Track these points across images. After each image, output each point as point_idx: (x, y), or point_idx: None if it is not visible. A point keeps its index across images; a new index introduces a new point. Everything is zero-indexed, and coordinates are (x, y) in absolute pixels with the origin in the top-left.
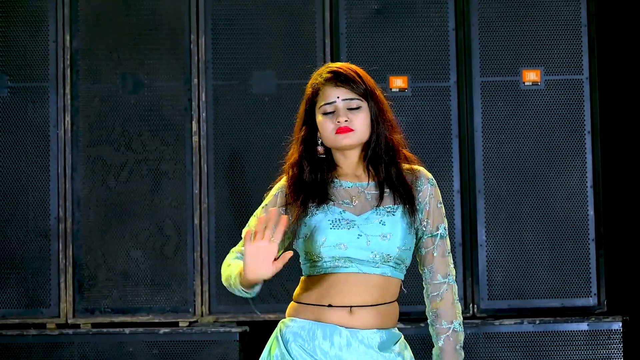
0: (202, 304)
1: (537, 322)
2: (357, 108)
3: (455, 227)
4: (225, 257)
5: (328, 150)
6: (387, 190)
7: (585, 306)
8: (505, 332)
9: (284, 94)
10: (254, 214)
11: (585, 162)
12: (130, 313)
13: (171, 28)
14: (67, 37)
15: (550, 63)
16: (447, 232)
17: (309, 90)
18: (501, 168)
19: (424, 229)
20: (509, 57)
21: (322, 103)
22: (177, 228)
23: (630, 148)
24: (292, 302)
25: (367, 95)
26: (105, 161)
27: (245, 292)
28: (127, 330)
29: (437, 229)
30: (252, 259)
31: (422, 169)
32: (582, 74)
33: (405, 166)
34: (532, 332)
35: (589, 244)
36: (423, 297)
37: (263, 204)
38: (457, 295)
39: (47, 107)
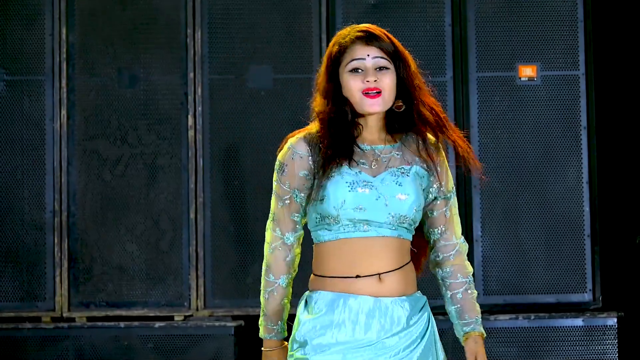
0: (197, 298)
1: (533, 317)
2: (386, 68)
3: None
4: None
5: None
6: (400, 152)
7: (581, 302)
8: (500, 328)
9: (280, 89)
10: (274, 190)
11: (581, 158)
12: (126, 307)
13: (167, 22)
14: (64, 31)
15: (546, 59)
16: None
17: (334, 48)
18: (497, 163)
19: (438, 191)
20: (505, 53)
21: (350, 59)
22: (173, 222)
23: (626, 144)
24: (312, 275)
25: (397, 56)
26: (101, 155)
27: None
28: (122, 324)
29: (449, 190)
30: None
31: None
32: (579, 70)
33: (428, 127)
34: (528, 327)
35: (584, 240)
36: (439, 291)
37: (276, 178)
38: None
39: (43, 101)
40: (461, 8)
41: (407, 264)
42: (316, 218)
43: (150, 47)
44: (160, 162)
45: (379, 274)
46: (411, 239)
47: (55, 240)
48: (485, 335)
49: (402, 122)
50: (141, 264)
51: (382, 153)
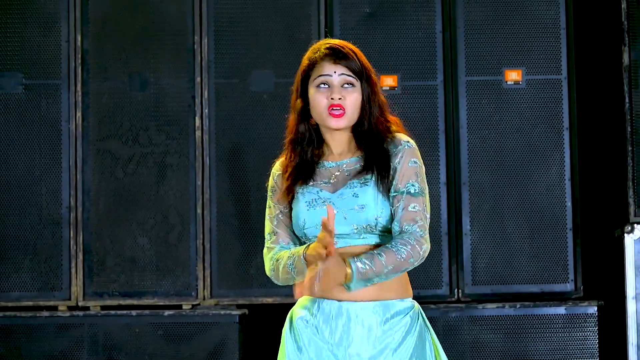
0: (204, 288)
1: (518, 306)
2: (352, 86)
3: (442, 217)
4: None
5: (317, 125)
6: (363, 163)
7: (563, 291)
8: (488, 316)
9: (282, 92)
10: (268, 205)
11: (564, 157)
12: (137, 296)
13: (175, 29)
14: (79, 38)
15: (531, 63)
16: (421, 191)
17: (305, 62)
18: (485, 162)
19: (394, 188)
20: (492, 58)
21: (318, 75)
22: (181, 217)
23: (605, 144)
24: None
25: (362, 75)
26: (114, 154)
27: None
28: (133, 313)
29: (405, 186)
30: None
31: (401, 134)
32: (561, 74)
33: (388, 137)
34: (513, 315)
35: (566, 233)
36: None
37: (270, 194)
38: (411, 260)
39: (60, 103)
40: (451, 16)
41: None
42: (297, 236)
43: (160, 53)
44: (169, 161)
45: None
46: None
47: (71, 234)
48: (349, 273)
49: (367, 137)
50: (151, 256)
51: (347, 167)
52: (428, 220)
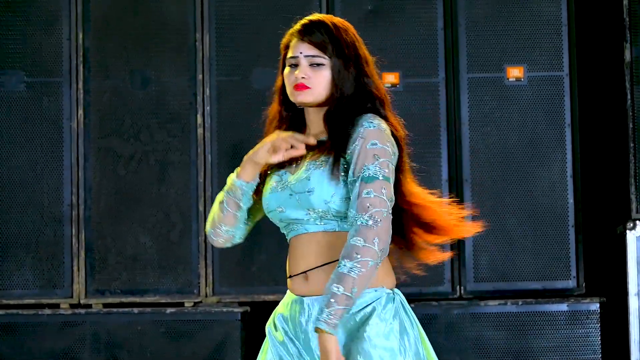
0: (206, 286)
1: (520, 303)
2: (320, 64)
3: None
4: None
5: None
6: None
7: (565, 288)
8: (490, 313)
9: None
10: None
11: (565, 154)
12: (139, 294)
13: (177, 27)
14: (80, 36)
15: (532, 60)
16: (377, 175)
17: (284, 40)
18: (486, 159)
19: (351, 173)
20: (494, 55)
21: (289, 55)
22: (183, 215)
23: (607, 141)
24: None
25: (334, 53)
26: (115, 152)
27: (238, 188)
28: (135, 310)
29: (360, 170)
30: (271, 139)
31: (368, 115)
32: (563, 71)
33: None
34: (515, 312)
35: (568, 230)
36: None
37: None
38: (370, 264)
39: (61, 101)
40: (453, 13)
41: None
42: None
43: (161, 51)
44: (171, 158)
45: (305, 272)
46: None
47: (73, 232)
48: (322, 330)
49: (333, 116)
50: (153, 254)
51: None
52: (387, 204)
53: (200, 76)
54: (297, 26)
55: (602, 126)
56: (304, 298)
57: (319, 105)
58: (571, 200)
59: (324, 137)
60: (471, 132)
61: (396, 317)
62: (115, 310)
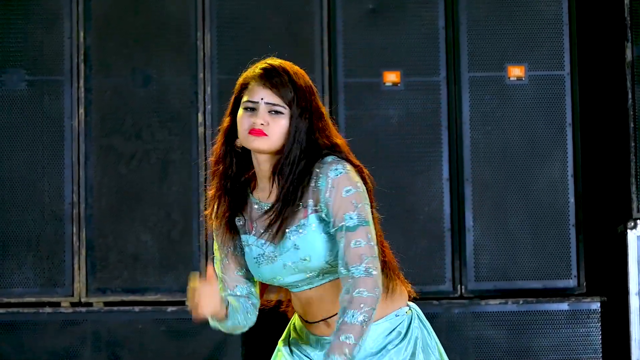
0: None
1: (521, 302)
2: (279, 112)
3: (444, 213)
4: None
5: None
6: (289, 206)
7: (566, 287)
8: (491, 312)
9: None
10: (214, 246)
11: (566, 153)
12: (140, 292)
13: (178, 26)
14: (81, 34)
15: (533, 59)
16: (361, 222)
17: (240, 80)
18: (487, 158)
19: (332, 224)
20: (495, 54)
21: (246, 99)
22: (184, 213)
23: (608, 140)
24: None
25: (294, 103)
26: (117, 150)
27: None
28: (136, 309)
29: (343, 220)
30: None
31: (328, 160)
32: (564, 70)
33: (315, 168)
34: (516, 311)
35: (569, 229)
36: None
37: (214, 233)
38: (369, 291)
39: (62, 100)
40: (454, 12)
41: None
42: None
43: (162, 50)
44: (172, 157)
45: (325, 319)
46: None
47: (74, 231)
48: None
49: (289, 169)
50: (154, 252)
51: (272, 210)
52: (375, 249)
53: (201, 75)
54: (258, 70)
55: (603, 125)
56: (326, 338)
57: (271, 152)
58: (572, 200)
59: (268, 197)
60: (472, 131)
61: (417, 338)
62: (116, 308)
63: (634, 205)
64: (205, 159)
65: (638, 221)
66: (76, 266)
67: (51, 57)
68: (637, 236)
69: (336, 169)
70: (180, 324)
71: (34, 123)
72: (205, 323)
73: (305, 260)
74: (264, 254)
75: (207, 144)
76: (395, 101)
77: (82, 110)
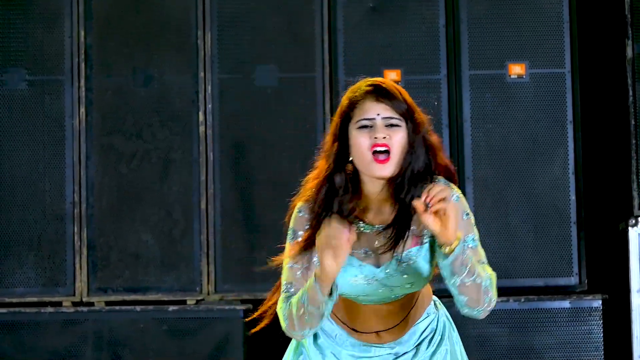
0: (208, 283)
1: (522, 300)
2: (396, 126)
3: None
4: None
5: (355, 171)
6: (413, 226)
7: (567, 285)
8: (492, 310)
9: (285, 87)
10: (290, 252)
11: (567, 151)
12: (141, 292)
13: (179, 25)
14: (82, 33)
15: (534, 57)
16: (477, 242)
17: (345, 102)
18: (488, 156)
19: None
20: (495, 52)
21: (360, 117)
22: (185, 212)
23: (609, 137)
24: None
25: (407, 115)
26: (117, 150)
27: (321, 303)
28: (138, 308)
29: (465, 241)
30: (324, 244)
31: (440, 183)
32: (564, 68)
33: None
34: (518, 309)
35: (570, 227)
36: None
37: (290, 234)
38: (491, 291)
39: (63, 99)
40: (454, 10)
41: (413, 307)
42: None
43: (163, 49)
44: (173, 156)
45: (377, 332)
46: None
47: (75, 230)
48: (457, 241)
49: (407, 190)
50: (155, 251)
51: (383, 232)
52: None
53: (202, 74)
54: (366, 87)
55: (603, 123)
56: (373, 346)
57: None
58: (573, 197)
59: (380, 220)
60: (473, 129)
61: (449, 333)
62: (117, 308)
63: (635, 203)
64: (206, 158)
65: (639, 218)
66: (77, 266)
67: (52, 57)
68: (639, 234)
69: (453, 195)
70: (182, 323)
71: (34, 122)
72: (204, 323)
73: (408, 285)
74: (360, 273)
75: (208, 143)
76: None
77: (82, 110)
